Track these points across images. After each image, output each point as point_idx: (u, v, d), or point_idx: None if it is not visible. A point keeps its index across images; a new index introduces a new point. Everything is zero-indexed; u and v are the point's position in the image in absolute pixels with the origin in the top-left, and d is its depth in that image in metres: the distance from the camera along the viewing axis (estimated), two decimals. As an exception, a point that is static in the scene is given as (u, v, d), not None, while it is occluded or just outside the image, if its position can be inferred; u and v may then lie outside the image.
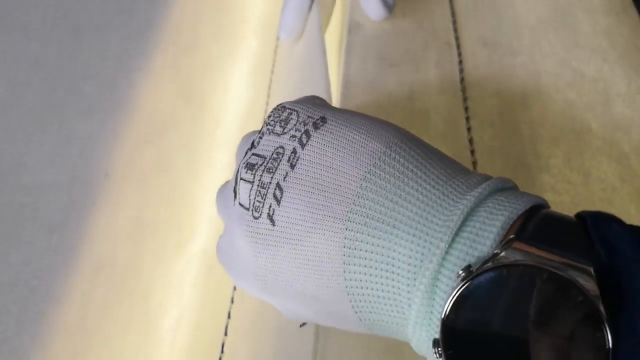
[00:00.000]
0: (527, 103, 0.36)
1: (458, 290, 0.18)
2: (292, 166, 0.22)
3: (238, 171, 0.24)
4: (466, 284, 0.18)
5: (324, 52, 0.38)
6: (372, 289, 0.21)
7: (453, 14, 0.42)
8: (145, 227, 0.39)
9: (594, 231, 0.19)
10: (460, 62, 0.39)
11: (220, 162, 0.44)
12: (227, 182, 0.26)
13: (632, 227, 0.19)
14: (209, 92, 0.49)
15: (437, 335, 0.19)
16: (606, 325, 0.17)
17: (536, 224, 0.19)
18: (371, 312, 0.21)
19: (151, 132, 0.44)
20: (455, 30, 0.41)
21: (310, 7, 0.41)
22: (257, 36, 0.53)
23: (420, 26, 0.41)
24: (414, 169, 0.21)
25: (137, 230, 0.39)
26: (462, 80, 0.38)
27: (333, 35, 0.49)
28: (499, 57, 0.39)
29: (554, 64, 0.38)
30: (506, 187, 0.21)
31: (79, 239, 0.38)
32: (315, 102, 0.25)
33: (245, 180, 0.23)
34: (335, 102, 0.38)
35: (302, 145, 0.22)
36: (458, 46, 0.40)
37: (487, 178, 0.21)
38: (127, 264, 0.37)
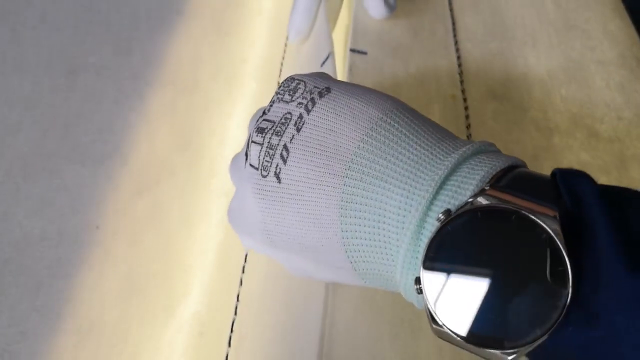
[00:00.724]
0: (538, 163, 0.34)
1: (437, 230, 0.21)
2: (298, 129, 0.24)
3: (250, 136, 0.26)
4: (444, 224, 0.21)
5: (331, 52, 0.38)
6: (365, 239, 0.23)
7: (460, 65, 0.40)
8: (135, 287, 0.37)
9: (562, 183, 0.21)
10: (467, 116, 0.37)
11: (215, 213, 0.42)
12: (238, 153, 0.28)
13: (603, 185, 0.21)
14: (207, 137, 0.47)
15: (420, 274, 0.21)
16: (567, 260, 0.19)
17: (511, 177, 0.21)
18: (364, 262, 0.23)
19: (145, 182, 0.42)
20: (462, 82, 0.39)
21: (317, 8, 0.40)
22: (257, 78, 0.52)
23: (424, 79, 0.39)
24: (407, 132, 0.23)
25: (127, 290, 0.37)
26: (468, 136, 0.36)
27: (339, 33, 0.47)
28: (507, 111, 0.37)
29: (566, 120, 0.36)
30: (489, 150, 0.23)
31: (65, 300, 0.36)
32: (323, 76, 0.27)
33: (255, 142, 0.25)
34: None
35: (308, 111, 0.24)
36: (465, 99, 0.38)
37: (472, 142, 0.23)
38: (114, 328, 0.36)
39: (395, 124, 0.23)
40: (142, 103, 0.47)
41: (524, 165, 0.23)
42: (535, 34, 0.41)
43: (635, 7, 0.54)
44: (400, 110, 0.24)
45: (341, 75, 0.41)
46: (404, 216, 0.22)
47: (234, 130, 0.49)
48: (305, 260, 0.25)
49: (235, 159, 0.28)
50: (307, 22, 0.40)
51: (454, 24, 0.42)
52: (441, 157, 0.22)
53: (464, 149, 0.22)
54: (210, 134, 0.47)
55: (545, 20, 0.41)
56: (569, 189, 0.21)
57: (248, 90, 0.51)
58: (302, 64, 0.42)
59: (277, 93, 0.26)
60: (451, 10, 0.43)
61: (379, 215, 0.22)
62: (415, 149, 0.23)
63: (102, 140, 0.44)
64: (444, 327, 0.20)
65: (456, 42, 0.41)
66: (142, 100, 0.47)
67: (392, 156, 0.22)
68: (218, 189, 0.44)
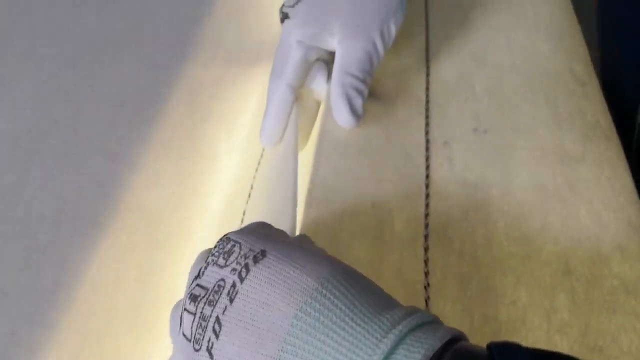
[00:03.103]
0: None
1: None
2: (231, 300, 0.24)
3: (184, 300, 0.26)
4: None
5: (295, 166, 0.39)
6: None
7: (428, 185, 0.43)
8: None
9: (498, 357, 0.21)
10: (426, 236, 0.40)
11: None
12: (180, 300, 0.28)
13: (537, 351, 0.22)
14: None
15: None
16: None
17: (448, 357, 0.21)
18: None
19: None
20: (428, 196, 0.42)
21: (289, 115, 0.42)
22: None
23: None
24: (343, 306, 0.23)
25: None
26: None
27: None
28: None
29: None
30: (427, 322, 0.23)
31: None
32: (260, 233, 0.27)
33: (188, 311, 0.25)
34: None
35: (241, 280, 0.24)
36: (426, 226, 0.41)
37: (411, 312, 0.23)
38: None
39: (331, 296, 0.23)
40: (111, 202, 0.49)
41: (462, 336, 0.23)
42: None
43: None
44: (338, 277, 0.24)
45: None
46: None
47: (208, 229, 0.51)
48: None
49: (175, 309, 0.28)
50: (278, 128, 0.42)
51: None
52: (378, 335, 0.22)
53: (400, 326, 0.22)
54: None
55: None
56: None
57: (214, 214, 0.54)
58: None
59: (212, 254, 0.26)
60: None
61: None
62: (351, 326, 0.22)
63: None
64: None
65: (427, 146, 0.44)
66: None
67: (327, 335, 0.22)
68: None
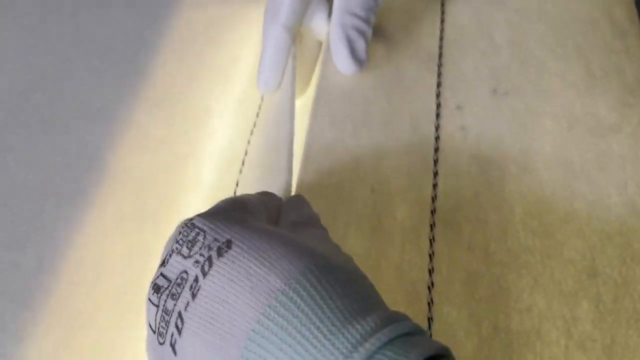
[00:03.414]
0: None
1: None
2: (194, 295, 0.22)
3: (148, 289, 0.24)
4: None
5: (292, 116, 0.36)
6: None
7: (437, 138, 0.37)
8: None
9: None
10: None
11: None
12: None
13: None
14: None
15: None
16: None
17: None
18: None
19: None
20: (438, 139, 0.37)
21: (285, 62, 0.38)
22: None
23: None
24: (310, 313, 0.20)
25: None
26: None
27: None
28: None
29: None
30: (406, 332, 0.21)
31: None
32: (230, 216, 0.25)
33: (152, 302, 0.24)
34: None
35: (204, 274, 0.22)
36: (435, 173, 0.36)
37: (389, 321, 0.21)
38: None
39: (299, 299, 0.21)
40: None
41: (446, 353, 0.21)
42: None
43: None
44: (308, 276, 0.21)
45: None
46: None
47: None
48: None
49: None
50: (275, 74, 0.38)
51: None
52: (345, 350, 0.19)
53: (373, 339, 0.20)
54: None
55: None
56: None
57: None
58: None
59: (176, 241, 0.24)
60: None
61: None
62: (317, 338, 0.20)
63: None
64: None
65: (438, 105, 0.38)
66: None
67: (290, 346, 0.20)
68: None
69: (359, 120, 0.36)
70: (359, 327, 0.20)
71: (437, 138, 0.35)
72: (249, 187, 0.40)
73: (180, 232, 0.24)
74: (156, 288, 0.23)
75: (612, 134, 0.33)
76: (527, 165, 0.33)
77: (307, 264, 0.22)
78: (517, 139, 0.34)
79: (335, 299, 0.21)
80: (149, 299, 0.24)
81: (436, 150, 0.35)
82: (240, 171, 0.43)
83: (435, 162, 0.34)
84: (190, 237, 0.24)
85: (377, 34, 0.40)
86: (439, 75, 0.38)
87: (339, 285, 0.22)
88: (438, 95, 0.37)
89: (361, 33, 0.38)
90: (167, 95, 0.51)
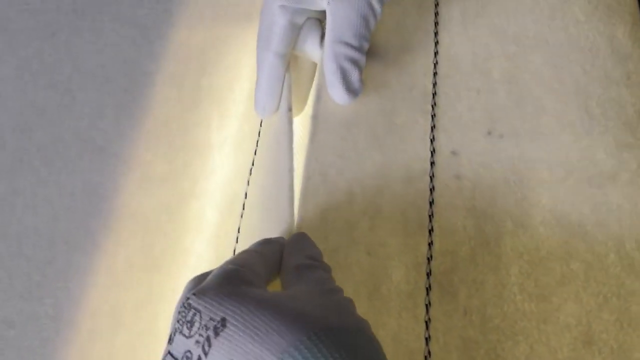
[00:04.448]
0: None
1: None
2: None
3: None
4: None
5: (290, 151, 0.36)
6: None
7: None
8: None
9: None
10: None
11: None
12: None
13: None
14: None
15: None
16: None
17: None
18: None
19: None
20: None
21: (281, 85, 0.39)
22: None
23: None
24: None
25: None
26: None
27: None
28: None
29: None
30: None
31: None
32: (221, 292, 0.26)
33: None
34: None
35: (205, 354, 0.24)
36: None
37: None
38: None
39: None
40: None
41: None
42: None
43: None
44: (300, 346, 0.23)
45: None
46: None
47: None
48: None
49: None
50: (271, 99, 0.39)
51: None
52: None
53: None
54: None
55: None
56: None
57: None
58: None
59: (177, 320, 0.26)
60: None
61: None
62: None
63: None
64: None
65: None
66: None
67: None
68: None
69: (352, 177, 0.36)
70: None
71: (432, 189, 0.35)
72: (250, 232, 0.40)
73: (179, 312, 0.26)
74: None
75: (609, 184, 0.33)
76: (523, 220, 0.33)
77: (298, 336, 0.23)
78: (513, 190, 0.34)
79: None
80: None
81: (431, 204, 0.35)
82: (242, 215, 0.43)
83: (431, 217, 0.34)
84: (188, 318, 0.26)
85: (370, 64, 0.39)
86: (433, 117, 0.37)
87: (330, 351, 0.23)
88: (432, 140, 0.37)
89: (354, 63, 0.37)
90: (166, 127, 0.51)
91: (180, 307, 0.26)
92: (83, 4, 0.56)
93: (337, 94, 0.37)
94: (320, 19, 0.40)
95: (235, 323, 0.24)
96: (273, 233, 0.34)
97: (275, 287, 0.31)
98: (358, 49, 0.37)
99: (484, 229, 0.33)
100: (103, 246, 0.45)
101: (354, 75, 0.37)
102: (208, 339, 0.25)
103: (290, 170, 0.36)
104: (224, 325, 0.24)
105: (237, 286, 0.27)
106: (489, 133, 0.36)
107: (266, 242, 0.31)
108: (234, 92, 0.53)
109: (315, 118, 0.38)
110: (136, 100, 0.52)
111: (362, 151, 0.37)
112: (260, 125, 0.46)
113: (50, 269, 0.44)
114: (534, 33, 0.39)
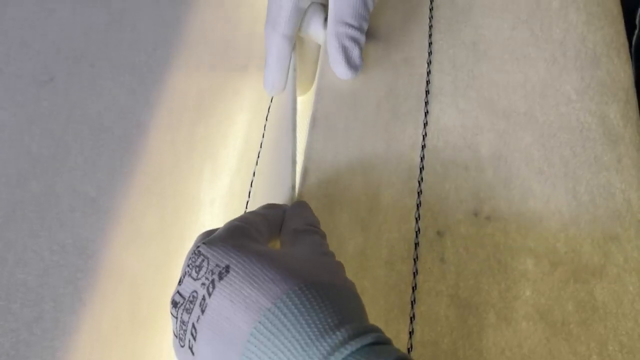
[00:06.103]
0: None
1: None
2: (202, 311, 0.27)
3: (170, 304, 0.29)
4: None
5: (293, 127, 0.39)
6: None
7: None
8: None
9: None
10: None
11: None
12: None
13: None
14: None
15: None
16: None
17: None
18: None
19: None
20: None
21: (289, 64, 0.43)
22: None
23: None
24: (291, 327, 0.25)
25: None
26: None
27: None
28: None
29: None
30: (375, 342, 0.24)
31: None
32: (229, 243, 0.29)
33: (172, 315, 0.29)
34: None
35: (209, 294, 0.27)
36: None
37: (359, 332, 0.24)
38: None
39: (283, 316, 0.25)
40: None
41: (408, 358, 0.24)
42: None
43: None
44: (292, 295, 0.25)
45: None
46: None
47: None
48: None
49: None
50: (279, 78, 0.43)
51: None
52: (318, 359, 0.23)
53: (342, 349, 0.23)
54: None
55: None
56: None
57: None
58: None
59: (187, 265, 0.29)
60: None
61: None
62: (296, 349, 0.24)
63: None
64: None
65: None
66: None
67: (275, 354, 0.24)
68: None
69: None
70: (329, 340, 0.24)
71: (415, 273, 0.34)
72: (258, 196, 0.41)
73: (190, 258, 0.29)
74: (174, 303, 0.29)
75: (594, 280, 0.32)
76: (506, 314, 0.32)
77: (291, 286, 0.26)
78: (497, 280, 0.33)
79: (312, 314, 0.25)
80: (171, 313, 0.29)
81: (414, 289, 0.34)
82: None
83: (412, 303, 0.34)
84: (197, 263, 0.29)
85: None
86: (420, 193, 0.37)
87: (317, 301, 0.25)
88: (418, 218, 0.36)
89: (355, 41, 0.40)
90: (157, 181, 0.51)
91: (191, 254, 0.29)
92: (82, 49, 0.56)
93: (340, 69, 0.41)
94: (323, 3, 0.43)
95: (238, 270, 0.27)
96: (277, 200, 0.36)
97: (275, 246, 0.33)
98: (358, 28, 0.40)
99: (467, 320, 0.32)
100: (90, 305, 0.45)
101: (355, 52, 0.41)
102: (213, 282, 0.27)
103: (294, 143, 0.38)
104: (227, 272, 0.27)
105: (241, 239, 0.30)
106: (476, 214, 0.35)
107: (270, 207, 0.34)
108: (227, 148, 0.53)
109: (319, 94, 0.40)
110: (130, 150, 0.52)
111: (345, 238, 0.36)
112: (251, 187, 0.46)
113: (37, 328, 0.44)
114: (524, 109, 0.38)
